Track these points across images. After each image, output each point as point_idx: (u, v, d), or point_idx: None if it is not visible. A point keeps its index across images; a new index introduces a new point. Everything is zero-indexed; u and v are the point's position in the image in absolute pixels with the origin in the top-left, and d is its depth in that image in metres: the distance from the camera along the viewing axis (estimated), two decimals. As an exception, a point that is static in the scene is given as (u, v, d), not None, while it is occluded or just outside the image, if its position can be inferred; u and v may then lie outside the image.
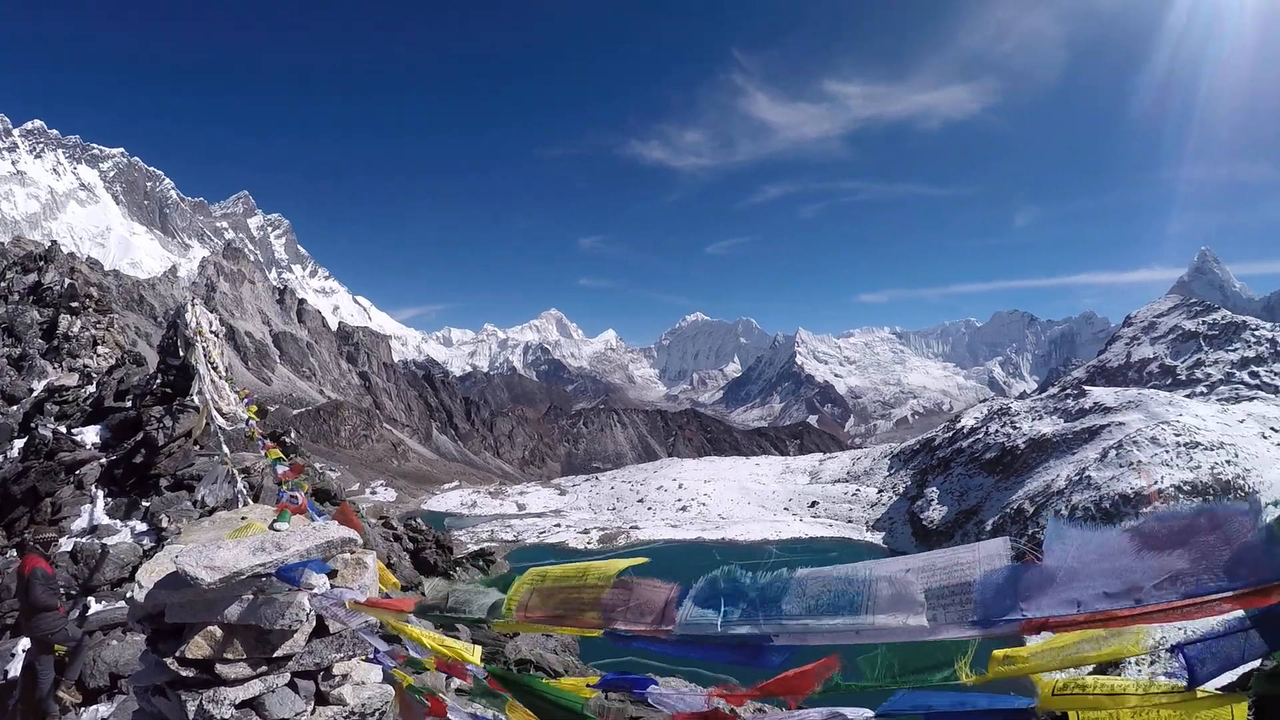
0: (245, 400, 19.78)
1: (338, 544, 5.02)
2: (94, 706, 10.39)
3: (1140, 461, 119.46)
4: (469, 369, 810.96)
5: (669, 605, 3.09)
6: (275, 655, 4.71)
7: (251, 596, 4.57)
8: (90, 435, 21.70)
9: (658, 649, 3.18)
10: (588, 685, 3.98)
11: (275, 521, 5.27)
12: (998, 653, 2.46)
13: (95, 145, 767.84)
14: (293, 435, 25.69)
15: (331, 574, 4.93)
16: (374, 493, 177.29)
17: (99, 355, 32.01)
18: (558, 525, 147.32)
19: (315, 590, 4.56)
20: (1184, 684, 1.98)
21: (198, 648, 4.53)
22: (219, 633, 4.56)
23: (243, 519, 5.49)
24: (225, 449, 17.43)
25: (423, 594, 25.19)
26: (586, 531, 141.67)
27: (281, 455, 15.22)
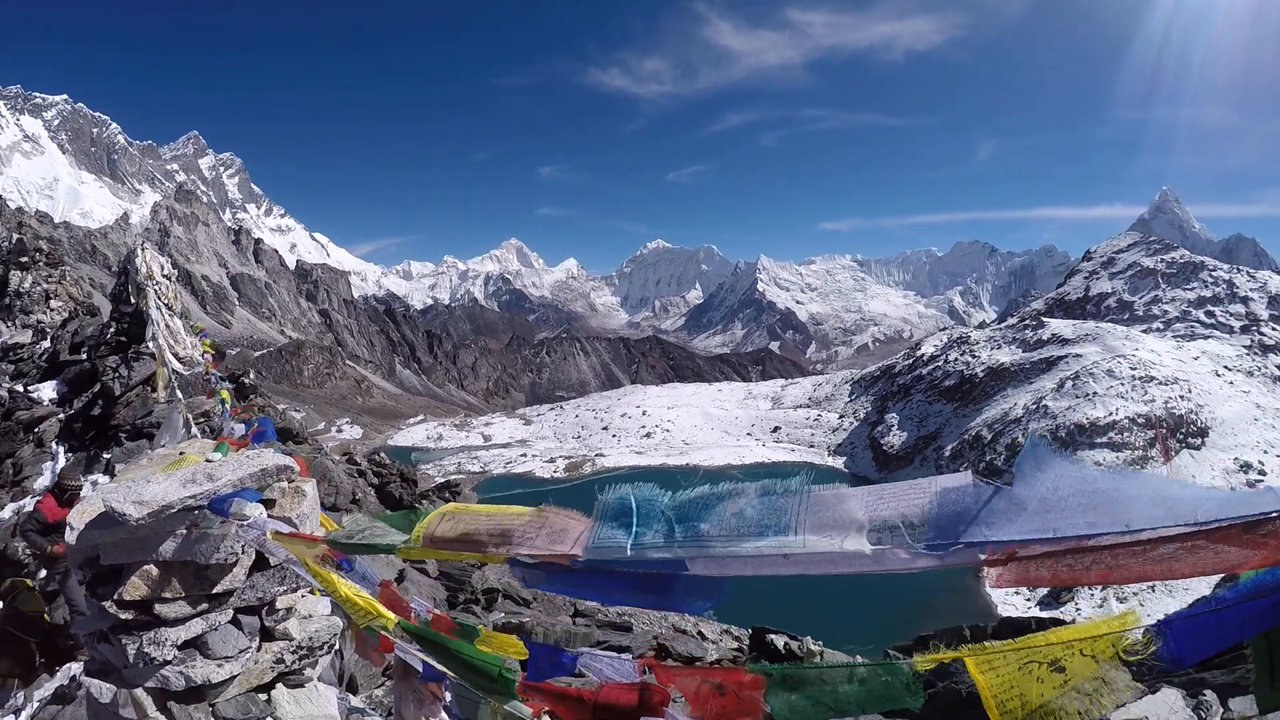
0: (200, 334, 19.31)
1: (273, 472, 4.77)
2: (68, 665, 10.22)
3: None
4: (430, 302, 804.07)
5: (582, 535, 2.79)
6: (215, 592, 4.51)
7: (185, 531, 4.33)
8: (47, 391, 21.24)
9: (563, 585, 2.89)
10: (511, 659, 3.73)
11: (212, 453, 5.01)
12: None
13: (38, 94, 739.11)
14: (252, 376, 25.22)
15: (269, 504, 4.69)
16: (340, 431, 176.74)
17: (52, 310, 31.25)
18: (524, 455, 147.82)
19: (246, 521, 4.29)
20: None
21: (135, 589, 4.31)
22: (155, 571, 4.33)
23: (180, 454, 5.21)
24: (179, 394, 16.99)
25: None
26: (552, 460, 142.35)
27: (227, 397, 14.87)
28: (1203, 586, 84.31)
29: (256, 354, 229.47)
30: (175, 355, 17.66)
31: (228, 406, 13.00)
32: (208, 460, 4.88)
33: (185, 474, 4.44)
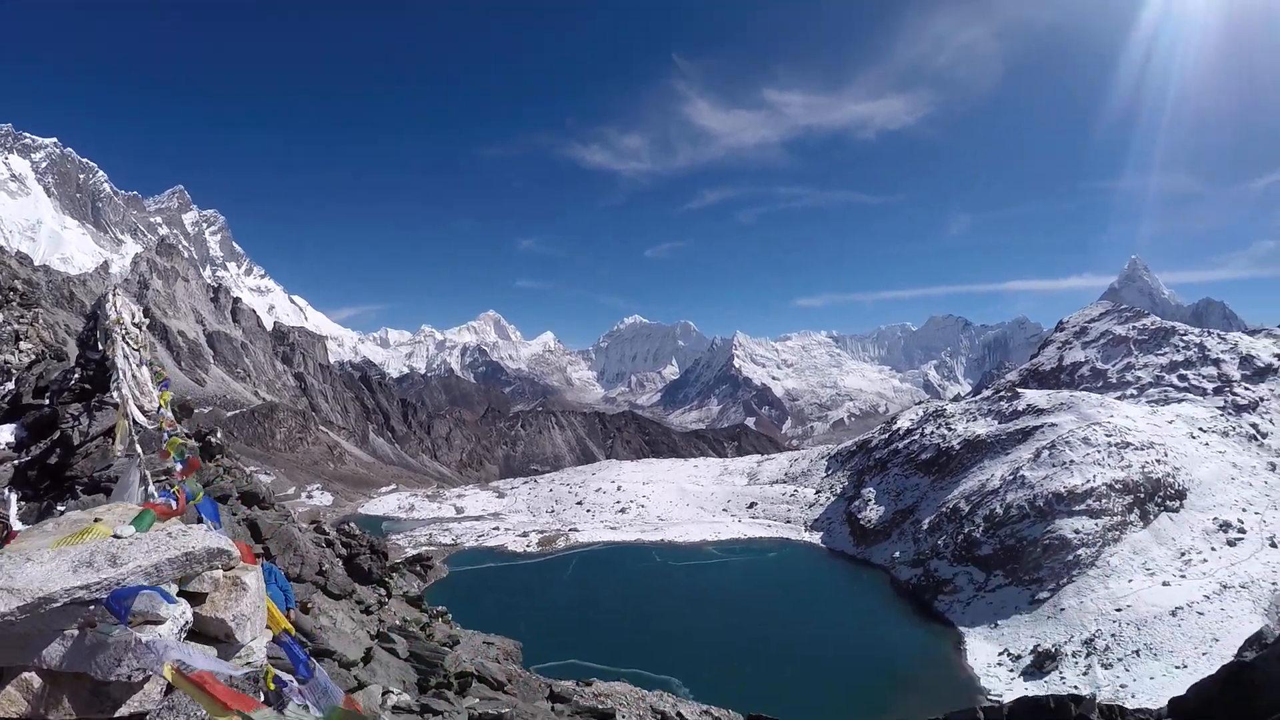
0: (161, 384, 18.20)
1: (201, 557, 3.69)
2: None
3: (1072, 461, 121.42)
4: (406, 370, 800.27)
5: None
6: (119, 716, 3.27)
7: (77, 632, 3.11)
8: (4, 434, 19.99)
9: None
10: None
11: (124, 525, 3.82)
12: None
13: (27, 135, 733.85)
14: (219, 435, 24.00)
15: (196, 599, 3.64)
16: (310, 496, 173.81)
17: (21, 351, 29.94)
18: (496, 528, 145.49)
19: (145, 637, 3.08)
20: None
21: (10, 702, 3.08)
22: (37, 683, 3.12)
23: (95, 520, 4.06)
24: (139, 449, 15.85)
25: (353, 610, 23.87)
26: (525, 534, 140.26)
27: (182, 445, 13.64)
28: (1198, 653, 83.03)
29: (229, 414, 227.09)
30: (140, 407, 16.56)
31: (183, 458, 11.77)
32: (116, 536, 3.66)
33: (80, 553, 3.26)
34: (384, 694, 14.64)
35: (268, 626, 5.18)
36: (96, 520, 4.09)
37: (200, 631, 3.94)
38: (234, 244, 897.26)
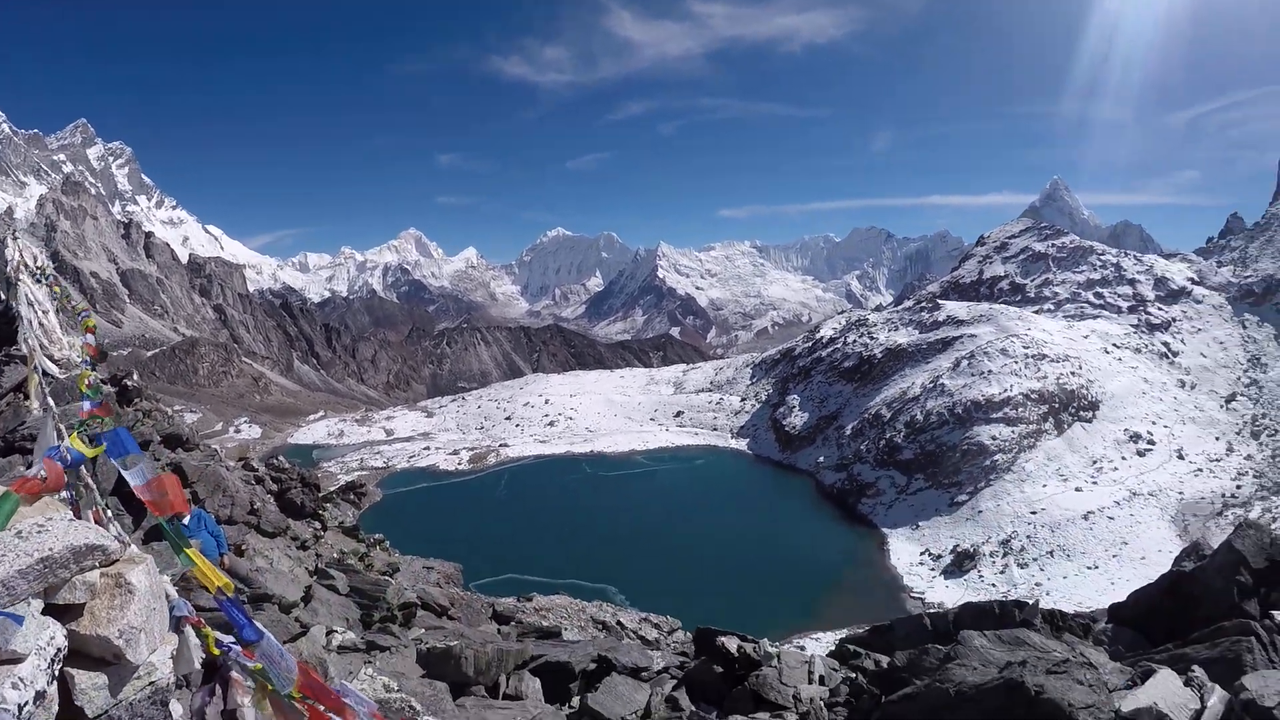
0: (82, 314, 16.98)
1: (63, 560, 2.96)
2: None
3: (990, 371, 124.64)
4: (328, 294, 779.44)
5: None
6: None
7: None
8: None
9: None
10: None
11: None
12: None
13: None
14: (135, 377, 22.74)
15: (70, 613, 3.02)
16: (238, 431, 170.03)
17: None
18: (427, 448, 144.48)
19: (10, 669, 2.51)
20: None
21: None
22: None
23: None
24: (52, 402, 14.74)
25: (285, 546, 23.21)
26: (456, 453, 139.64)
27: (94, 387, 12.55)
28: (1112, 557, 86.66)
29: (149, 354, 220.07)
30: (50, 357, 15.40)
31: (97, 397, 10.65)
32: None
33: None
34: (328, 634, 14.20)
35: (202, 586, 4.56)
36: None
37: (80, 654, 3.13)
38: (143, 176, 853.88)
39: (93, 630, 3.07)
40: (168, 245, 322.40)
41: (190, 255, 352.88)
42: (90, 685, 3.09)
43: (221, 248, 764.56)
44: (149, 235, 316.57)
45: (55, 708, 2.95)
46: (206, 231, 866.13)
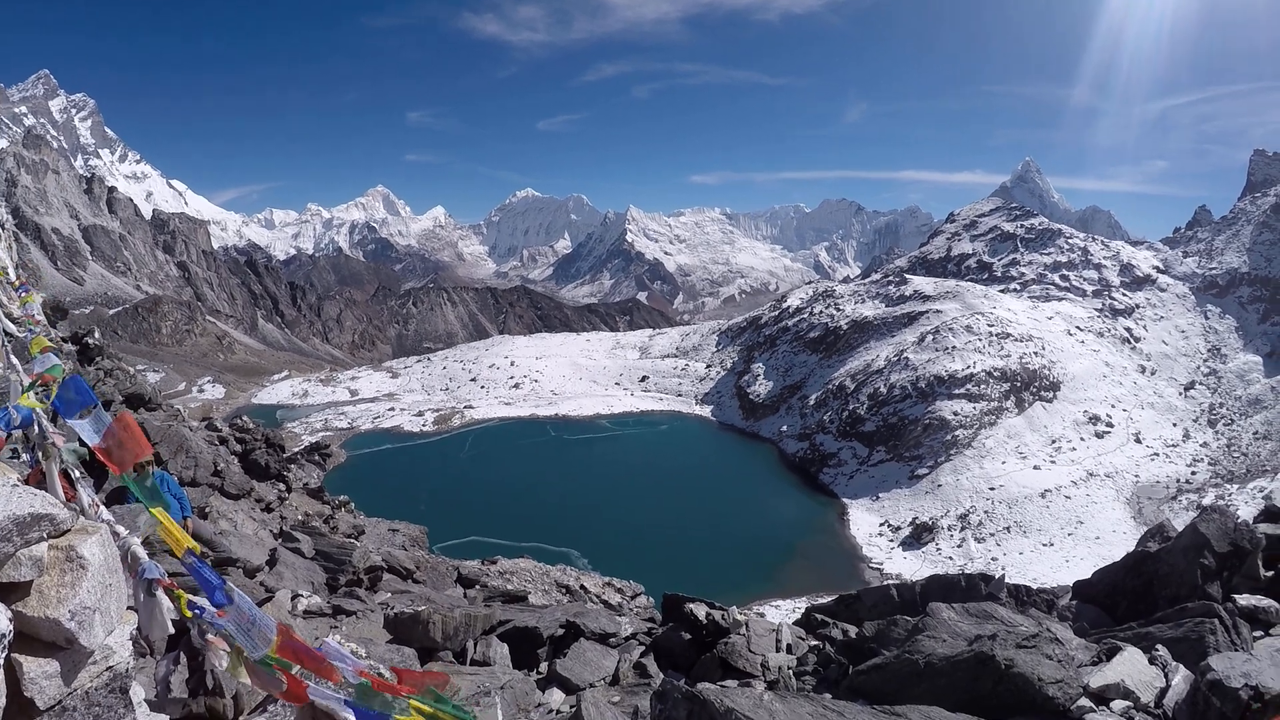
0: (19, 289, 16.45)
1: (3, 533, 2.61)
2: None
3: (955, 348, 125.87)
4: (293, 252, 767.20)
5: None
6: None
7: None
8: None
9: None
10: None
11: None
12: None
13: None
14: (97, 335, 22.20)
15: (15, 592, 2.74)
16: (201, 390, 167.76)
17: None
18: (391, 409, 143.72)
19: None
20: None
21: None
22: None
23: None
24: (15, 361, 14.33)
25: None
26: (421, 414, 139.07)
27: (51, 347, 12.23)
28: (1072, 534, 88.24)
29: (111, 311, 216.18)
30: (8, 315, 14.99)
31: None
32: None
33: None
34: (293, 599, 14.09)
35: (167, 551, 4.41)
36: None
37: (29, 638, 2.83)
38: (106, 129, 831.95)
39: (41, 612, 2.78)
40: (131, 200, 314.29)
41: (154, 211, 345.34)
42: (40, 673, 2.81)
43: (186, 203, 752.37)
44: (112, 190, 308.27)
45: (2, 699, 2.71)
46: (170, 186, 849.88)
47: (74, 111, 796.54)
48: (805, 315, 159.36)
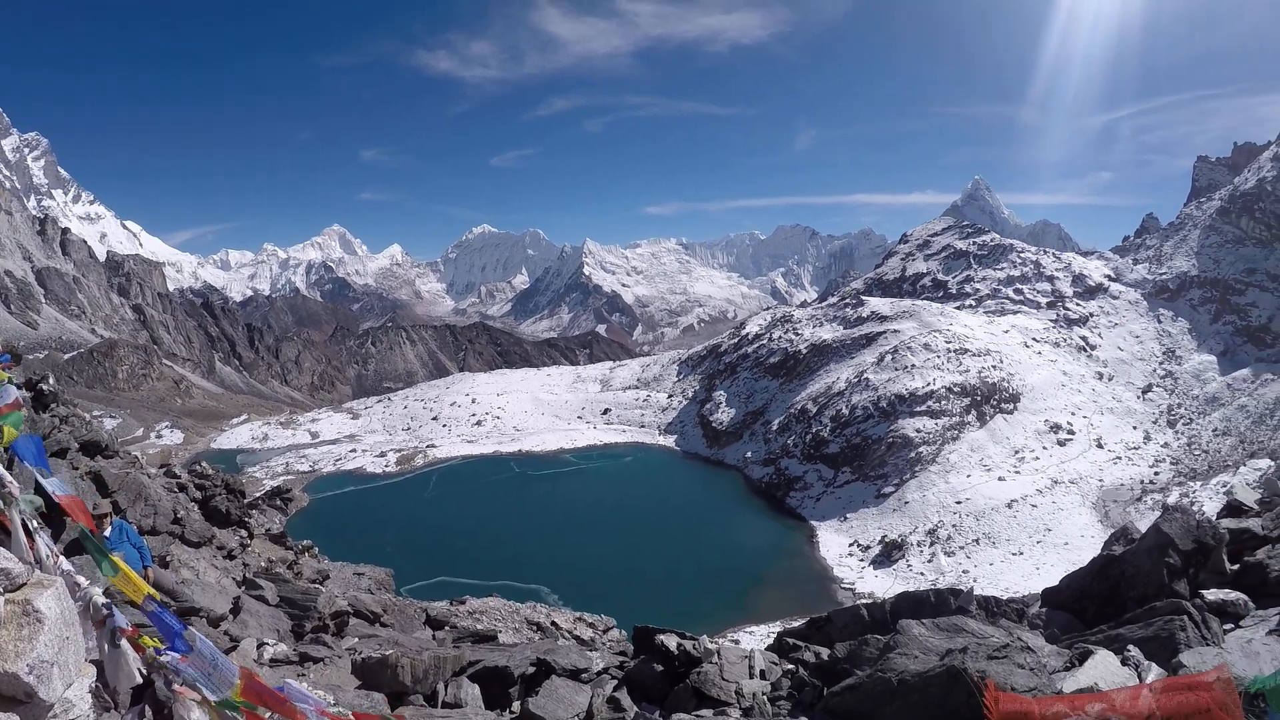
0: None
1: None
2: None
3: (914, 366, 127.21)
4: (250, 293, 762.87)
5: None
6: None
7: None
8: None
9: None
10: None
11: None
12: None
13: None
14: (51, 381, 21.74)
15: None
16: (160, 436, 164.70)
17: None
18: (353, 450, 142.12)
19: None
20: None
21: None
22: None
23: None
24: None
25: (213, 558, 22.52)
26: (383, 455, 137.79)
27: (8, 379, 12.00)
28: (1038, 542, 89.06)
29: (66, 356, 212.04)
30: None
31: None
32: None
33: None
34: (259, 647, 13.79)
35: (127, 601, 4.31)
36: None
37: None
38: (60, 169, 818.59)
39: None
40: (85, 242, 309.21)
41: (108, 253, 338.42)
42: (0, 728, 2.56)
43: (140, 244, 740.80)
44: (65, 231, 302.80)
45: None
46: (125, 228, 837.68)
47: (27, 151, 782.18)
48: (764, 341, 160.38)
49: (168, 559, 17.73)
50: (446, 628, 24.04)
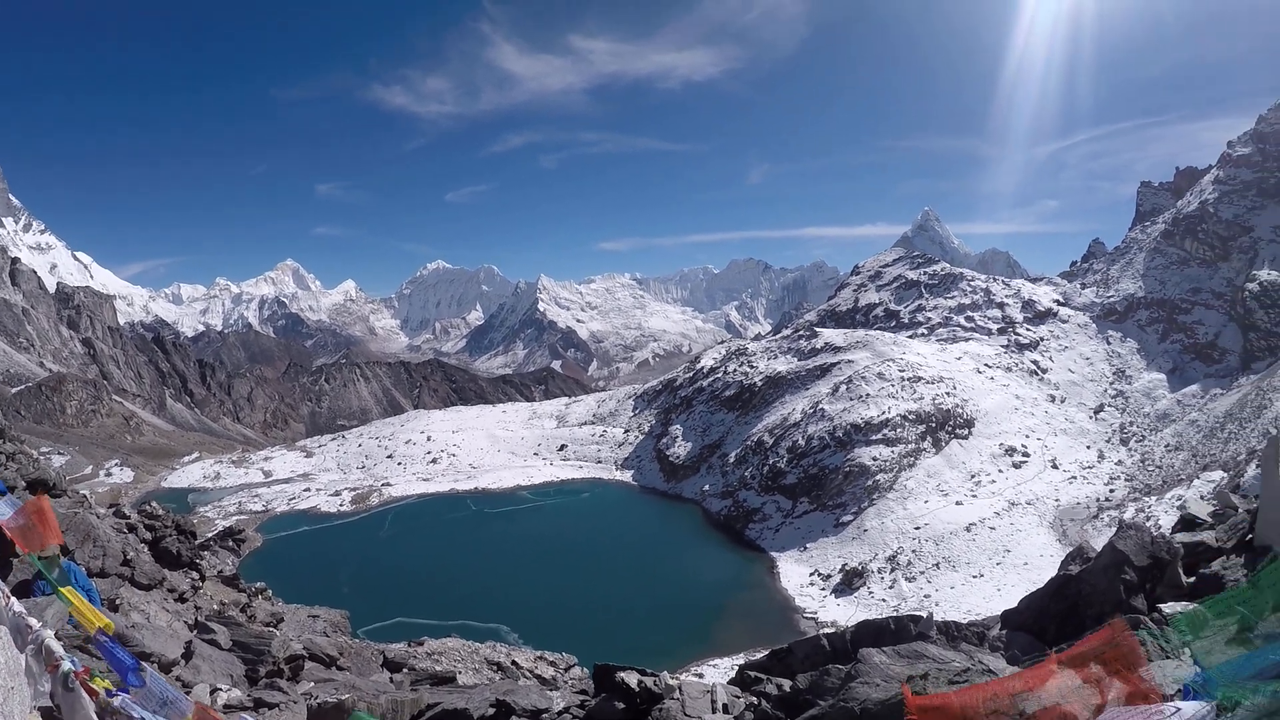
0: None
1: None
2: None
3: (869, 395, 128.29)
4: (202, 328, 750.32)
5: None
6: None
7: None
8: None
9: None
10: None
11: None
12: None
13: None
14: (-5, 418, 21.12)
15: None
16: (109, 474, 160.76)
17: None
18: (307, 489, 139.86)
19: None
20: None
21: None
22: None
23: None
24: None
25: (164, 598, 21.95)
26: (338, 493, 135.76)
27: None
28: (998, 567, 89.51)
29: (14, 390, 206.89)
30: None
31: None
32: None
33: None
34: (212, 693, 13.40)
35: (77, 646, 4.16)
36: None
37: None
38: (10, 197, 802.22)
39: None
40: (35, 273, 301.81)
41: (59, 284, 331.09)
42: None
43: (91, 276, 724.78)
44: (15, 261, 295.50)
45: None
46: (76, 259, 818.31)
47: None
48: (719, 374, 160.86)
49: (117, 602, 17.26)
50: (404, 670, 23.64)
